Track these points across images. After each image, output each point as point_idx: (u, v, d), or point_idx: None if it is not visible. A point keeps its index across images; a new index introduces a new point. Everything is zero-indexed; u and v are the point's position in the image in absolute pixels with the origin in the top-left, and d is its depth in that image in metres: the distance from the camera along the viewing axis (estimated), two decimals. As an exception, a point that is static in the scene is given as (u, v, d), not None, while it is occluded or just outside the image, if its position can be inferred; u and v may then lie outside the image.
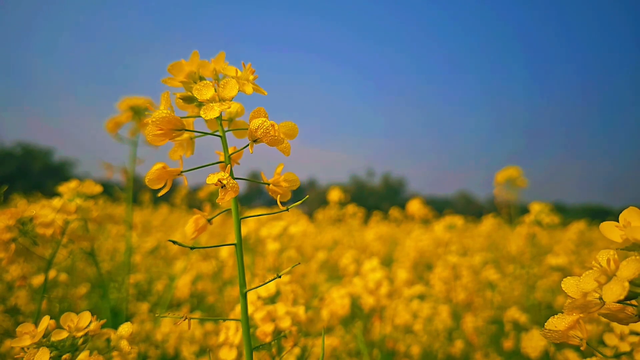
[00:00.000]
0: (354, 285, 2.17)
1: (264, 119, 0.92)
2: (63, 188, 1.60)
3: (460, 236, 5.14)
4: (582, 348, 0.74)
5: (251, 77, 0.98)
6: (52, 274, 2.07)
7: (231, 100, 0.92)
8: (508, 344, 2.81)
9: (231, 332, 1.29)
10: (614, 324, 0.97)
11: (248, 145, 0.95)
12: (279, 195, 0.99)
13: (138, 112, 2.31)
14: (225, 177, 0.86)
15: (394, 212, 7.14)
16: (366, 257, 3.99)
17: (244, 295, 0.97)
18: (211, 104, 0.90)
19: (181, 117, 0.94)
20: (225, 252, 2.72)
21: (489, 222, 5.61)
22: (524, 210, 3.33)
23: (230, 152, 0.98)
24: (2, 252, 1.33)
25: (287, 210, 0.97)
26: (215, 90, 0.92)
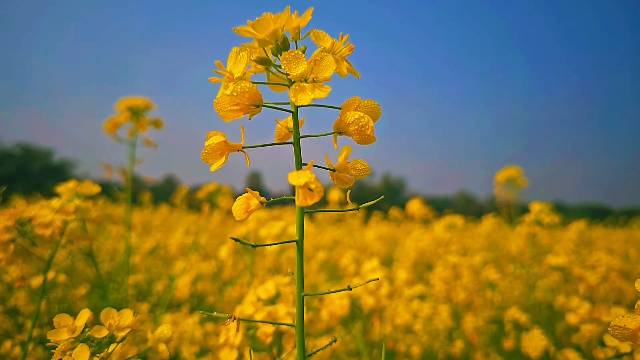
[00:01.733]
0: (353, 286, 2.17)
1: (362, 114, 0.78)
2: (61, 189, 1.60)
3: (461, 236, 5.14)
4: None
5: (347, 53, 0.82)
6: (51, 274, 2.06)
7: (325, 85, 0.77)
8: (508, 343, 2.81)
9: (232, 333, 1.28)
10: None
11: (332, 135, 0.81)
12: (349, 191, 0.86)
13: (136, 113, 2.31)
14: (313, 180, 0.72)
15: (394, 212, 7.14)
16: (366, 257, 3.98)
17: (302, 299, 0.86)
18: (302, 85, 0.76)
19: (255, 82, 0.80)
20: (224, 252, 2.71)
21: (489, 222, 5.61)
22: (524, 210, 3.32)
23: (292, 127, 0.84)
24: (1, 252, 1.33)
25: (358, 209, 0.86)
26: (310, 70, 0.77)
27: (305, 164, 0.80)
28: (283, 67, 0.78)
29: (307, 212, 0.89)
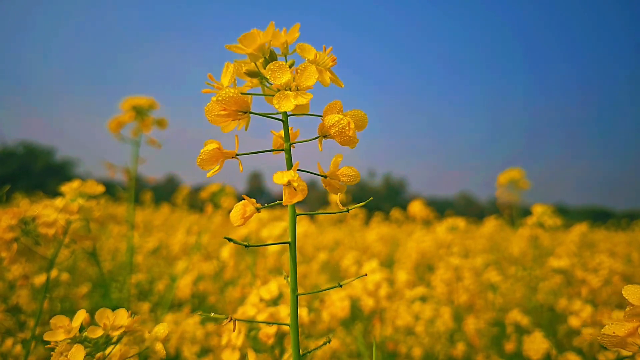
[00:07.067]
0: (353, 287, 2.17)
1: (341, 117, 0.83)
2: (65, 188, 1.60)
3: (462, 238, 5.13)
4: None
5: (330, 64, 0.87)
6: (53, 273, 2.07)
7: (307, 92, 0.82)
8: (510, 346, 2.80)
9: (234, 334, 1.28)
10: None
11: (317, 139, 0.86)
12: (339, 194, 0.90)
13: (140, 112, 2.31)
14: (295, 178, 0.77)
15: (395, 213, 7.13)
16: (367, 258, 3.98)
17: (296, 300, 0.86)
18: (286, 93, 0.81)
19: (242, 93, 0.85)
20: (226, 252, 2.72)
21: (490, 224, 5.60)
22: (526, 212, 3.32)
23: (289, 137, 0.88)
24: (4, 251, 1.34)
25: (348, 211, 0.89)
26: (293, 78, 0.81)
27: (304, 170, 0.84)
28: (269, 78, 0.83)
29: (300, 215, 0.92)
